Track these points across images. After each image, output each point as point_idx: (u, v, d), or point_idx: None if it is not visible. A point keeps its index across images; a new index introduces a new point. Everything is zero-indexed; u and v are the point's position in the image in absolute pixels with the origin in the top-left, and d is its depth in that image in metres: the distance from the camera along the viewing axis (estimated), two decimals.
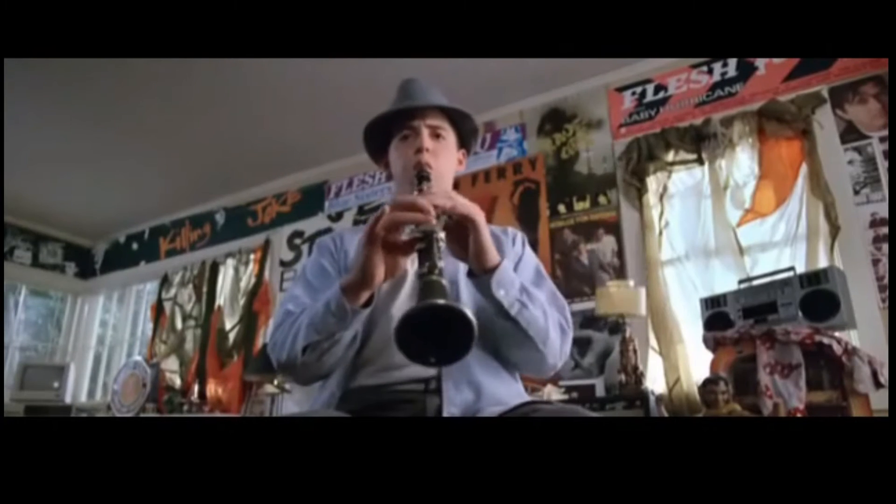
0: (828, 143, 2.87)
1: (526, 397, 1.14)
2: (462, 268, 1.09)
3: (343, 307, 0.96)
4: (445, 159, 1.23)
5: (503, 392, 1.06)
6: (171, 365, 4.99)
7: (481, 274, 1.00)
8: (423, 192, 1.06)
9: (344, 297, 0.97)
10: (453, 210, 0.96)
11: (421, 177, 1.14)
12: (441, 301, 0.75)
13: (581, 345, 3.22)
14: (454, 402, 1.00)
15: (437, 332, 0.76)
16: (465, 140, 1.33)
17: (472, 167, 3.86)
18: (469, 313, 0.74)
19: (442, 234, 0.91)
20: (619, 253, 3.36)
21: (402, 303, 1.11)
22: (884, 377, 2.13)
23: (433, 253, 0.86)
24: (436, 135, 1.22)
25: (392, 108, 1.25)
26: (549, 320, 1.06)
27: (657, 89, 3.50)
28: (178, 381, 4.88)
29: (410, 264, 1.08)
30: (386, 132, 1.27)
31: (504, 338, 1.06)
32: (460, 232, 0.99)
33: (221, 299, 5.01)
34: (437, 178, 1.17)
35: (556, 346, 1.08)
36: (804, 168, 2.91)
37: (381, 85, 1.38)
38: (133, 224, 5.95)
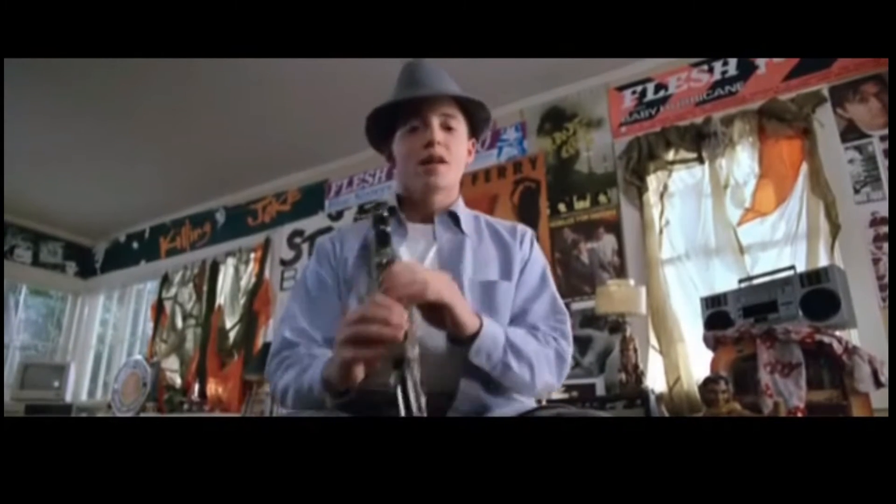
0: (828, 142, 2.87)
1: (533, 404, 1.14)
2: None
3: (324, 399, 0.94)
4: (457, 153, 1.18)
5: (509, 403, 1.06)
6: (171, 364, 5.00)
7: (461, 342, 0.98)
8: (383, 266, 0.94)
9: (325, 389, 0.94)
10: (424, 300, 0.91)
11: (380, 235, 1.01)
12: None
13: (581, 344, 3.22)
14: (459, 412, 1.01)
15: None
16: (477, 128, 1.26)
17: (472, 166, 3.84)
18: None
19: (416, 353, 0.87)
20: (620, 252, 3.36)
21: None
22: (884, 376, 2.13)
23: (408, 394, 0.81)
24: (447, 126, 1.16)
25: (400, 97, 1.16)
26: (540, 368, 1.04)
27: (657, 88, 3.50)
28: (178, 381, 4.89)
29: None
30: (391, 121, 1.20)
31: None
32: (434, 309, 0.95)
33: (222, 298, 5.01)
34: (443, 175, 1.15)
35: (549, 383, 1.08)
36: (804, 167, 2.91)
37: (381, 83, 1.37)
38: (133, 223, 5.96)
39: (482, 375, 1.03)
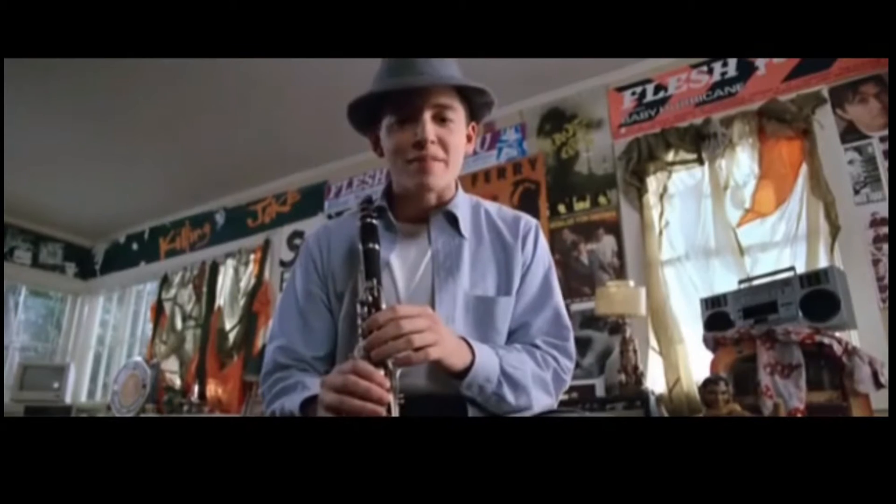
0: (828, 143, 2.87)
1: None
2: (447, 287, 1.05)
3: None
4: (454, 146, 1.06)
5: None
6: (170, 365, 5.00)
7: (453, 375, 0.95)
8: (365, 333, 0.88)
9: (302, 412, 0.93)
10: (408, 364, 0.86)
11: (368, 258, 0.96)
12: None
13: (581, 345, 3.22)
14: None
15: None
16: (477, 113, 1.13)
17: (471, 167, 3.87)
18: None
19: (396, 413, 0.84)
20: (619, 253, 3.36)
21: None
22: (884, 377, 2.13)
23: None
24: (441, 118, 1.04)
25: (388, 87, 1.03)
26: (534, 396, 1.00)
27: (657, 89, 3.50)
28: (177, 382, 4.88)
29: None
30: (376, 106, 1.07)
31: None
32: None
33: (221, 299, 5.01)
34: (437, 176, 1.05)
35: (547, 405, 1.03)
36: (804, 168, 2.91)
37: None
38: (133, 224, 5.95)
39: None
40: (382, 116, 1.07)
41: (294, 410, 0.94)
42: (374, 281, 0.92)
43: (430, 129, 1.02)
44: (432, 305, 1.03)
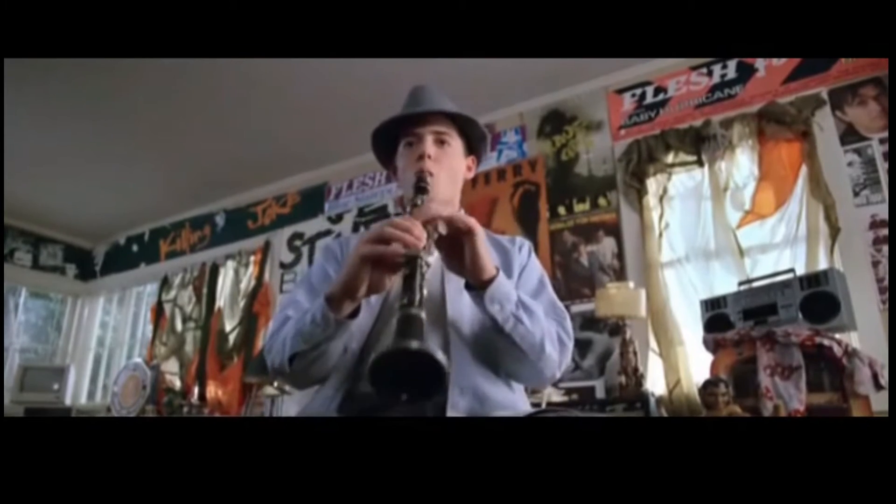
0: (827, 145, 2.87)
1: (529, 405, 1.13)
2: (455, 280, 1.08)
3: (327, 317, 0.95)
4: (449, 166, 1.22)
5: (508, 399, 1.05)
6: (170, 367, 5.00)
7: (477, 287, 1.00)
8: (417, 206, 1.04)
9: (328, 307, 0.96)
10: (449, 222, 0.96)
11: (419, 188, 1.12)
12: (414, 344, 0.73)
13: (581, 347, 3.22)
14: (458, 408, 0.99)
15: (411, 370, 0.74)
16: (474, 147, 1.31)
17: None
18: (440, 356, 0.72)
19: (430, 259, 0.89)
20: (619, 255, 3.36)
21: None
22: (884, 379, 2.13)
23: (415, 282, 0.84)
24: (440, 141, 1.21)
25: (395, 115, 1.23)
26: (546, 336, 1.05)
27: (657, 91, 3.51)
28: (177, 383, 4.89)
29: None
30: (393, 139, 1.27)
31: (501, 351, 1.05)
32: (456, 245, 0.98)
33: (221, 301, 5.01)
34: (436, 185, 1.15)
35: (554, 359, 1.07)
36: (804, 170, 2.91)
37: (381, 86, 1.37)
38: (133, 226, 5.96)
39: (478, 352, 1.05)
40: (398, 145, 1.26)
41: (315, 308, 0.98)
42: (426, 196, 1.08)
43: (430, 147, 1.20)
44: (442, 289, 1.11)
